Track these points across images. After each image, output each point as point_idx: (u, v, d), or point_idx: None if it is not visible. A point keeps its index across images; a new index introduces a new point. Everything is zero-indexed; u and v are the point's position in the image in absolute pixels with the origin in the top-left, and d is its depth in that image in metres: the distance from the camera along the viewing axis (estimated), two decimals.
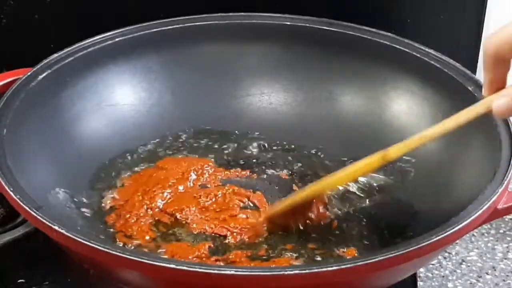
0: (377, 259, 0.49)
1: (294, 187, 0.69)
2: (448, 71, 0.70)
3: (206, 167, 0.71)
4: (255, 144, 0.75)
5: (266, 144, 0.75)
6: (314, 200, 0.64)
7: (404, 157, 0.70)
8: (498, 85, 0.50)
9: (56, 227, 0.51)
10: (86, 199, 0.66)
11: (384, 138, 0.73)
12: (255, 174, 0.71)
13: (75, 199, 0.65)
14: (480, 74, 0.85)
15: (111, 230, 0.64)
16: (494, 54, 0.49)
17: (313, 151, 0.74)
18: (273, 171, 0.72)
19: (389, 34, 0.75)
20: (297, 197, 0.64)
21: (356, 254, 0.61)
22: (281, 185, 0.70)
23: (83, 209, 0.65)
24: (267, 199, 0.67)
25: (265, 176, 0.71)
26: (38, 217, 0.52)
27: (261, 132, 0.76)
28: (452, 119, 0.54)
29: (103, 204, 0.66)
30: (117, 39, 0.74)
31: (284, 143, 0.75)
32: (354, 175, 0.62)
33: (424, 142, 0.56)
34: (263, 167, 0.72)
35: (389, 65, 0.74)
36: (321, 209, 0.65)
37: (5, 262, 0.65)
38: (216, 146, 0.75)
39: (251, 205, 0.67)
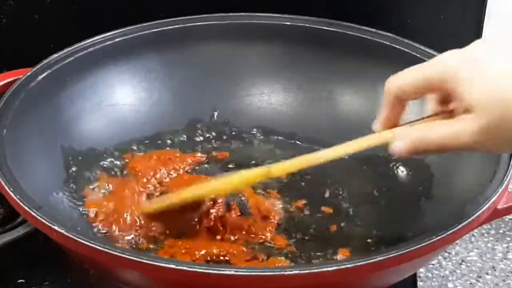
0: (377, 259, 0.49)
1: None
2: None
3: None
4: (255, 144, 0.75)
5: (265, 144, 0.75)
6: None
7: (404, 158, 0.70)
8: (393, 122, 0.53)
9: (56, 227, 0.51)
10: (86, 199, 0.66)
11: None
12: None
13: (75, 199, 0.65)
14: None
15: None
16: (394, 95, 0.52)
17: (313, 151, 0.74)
18: None
19: (389, 34, 0.75)
20: (177, 198, 0.62)
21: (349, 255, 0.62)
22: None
23: (83, 209, 0.65)
24: None
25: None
26: (38, 217, 0.52)
27: (261, 132, 0.76)
28: (343, 146, 0.55)
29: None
30: (117, 39, 0.74)
31: (284, 143, 0.75)
32: (233, 186, 0.61)
33: (312, 164, 0.57)
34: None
35: (389, 65, 0.74)
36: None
37: (5, 262, 0.65)
38: (215, 146, 0.75)
39: None
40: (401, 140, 0.51)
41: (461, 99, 0.47)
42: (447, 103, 0.51)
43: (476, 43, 0.49)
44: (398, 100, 0.52)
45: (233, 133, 0.76)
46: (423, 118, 0.53)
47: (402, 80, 0.51)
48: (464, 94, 0.47)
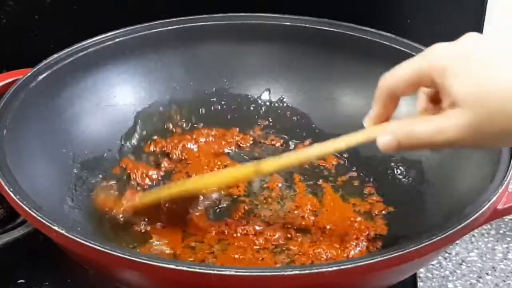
0: (377, 259, 0.49)
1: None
2: None
3: None
4: (254, 143, 0.75)
5: (265, 144, 0.75)
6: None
7: (404, 158, 0.70)
8: (383, 119, 0.53)
9: (56, 227, 0.51)
10: (86, 199, 0.66)
11: None
12: None
13: (75, 199, 0.65)
14: None
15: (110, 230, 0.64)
16: (386, 91, 0.52)
17: None
18: None
19: (389, 34, 0.75)
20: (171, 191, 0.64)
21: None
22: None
23: (83, 209, 0.65)
24: None
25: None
26: (38, 217, 0.52)
27: (261, 131, 0.76)
28: (332, 142, 0.56)
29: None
30: (117, 39, 0.74)
31: (284, 142, 0.75)
32: (223, 181, 0.64)
33: (300, 162, 0.58)
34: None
35: (389, 65, 0.74)
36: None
37: (5, 262, 0.65)
38: (216, 147, 0.74)
39: None
40: (387, 135, 0.50)
41: (448, 93, 0.47)
42: (439, 102, 0.50)
43: (466, 36, 0.48)
44: (390, 96, 0.52)
45: (233, 133, 0.76)
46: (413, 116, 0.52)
47: (393, 75, 0.51)
48: (451, 88, 0.46)
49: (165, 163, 0.72)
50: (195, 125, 0.76)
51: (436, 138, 0.47)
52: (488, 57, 0.46)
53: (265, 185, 0.70)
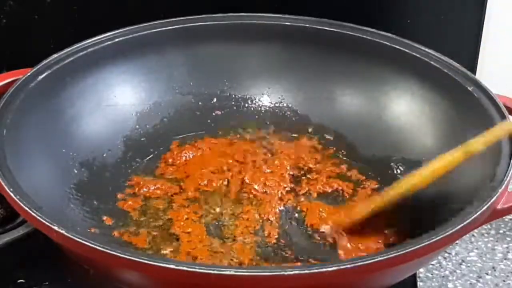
0: (377, 259, 0.49)
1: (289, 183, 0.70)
2: (448, 71, 0.70)
3: None
4: (254, 143, 0.75)
5: (265, 143, 0.75)
6: None
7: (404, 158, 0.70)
8: None
9: (56, 227, 0.51)
10: (85, 199, 0.66)
11: (384, 138, 0.73)
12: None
13: (75, 199, 0.65)
14: (480, 74, 0.86)
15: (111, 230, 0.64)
16: None
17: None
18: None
19: (389, 34, 0.75)
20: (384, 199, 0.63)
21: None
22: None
23: (83, 209, 0.65)
24: None
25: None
26: (38, 217, 0.52)
27: (261, 131, 0.76)
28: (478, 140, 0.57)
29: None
30: (117, 39, 0.74)
31: (283, 142, 0.75)
32: (439, 171, 0.61)
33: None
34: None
35: (389, 65, 0.74)
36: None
37: (5, 262, 0.65)
38: (215, 149, 0.75)
39: None
40: None
41: None
42: None
43: None
44: None
45: (233, 133, 0.76)
46: None
47: None
48: None
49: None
50: (195, 124, 0.76)
51: None
52: None
53: None
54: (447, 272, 0.69)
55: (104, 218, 0.65)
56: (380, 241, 0.63)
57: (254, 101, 0.79)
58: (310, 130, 0.76)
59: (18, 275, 0.64)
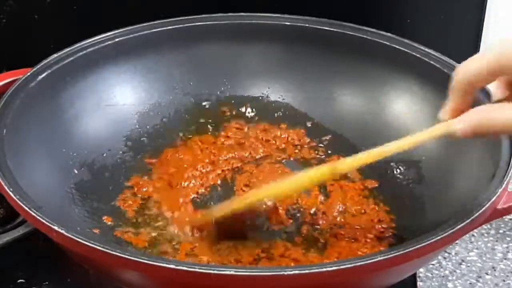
0: (377, 259, 0.49)
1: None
2: (448, 71, 0.70)
3: None
4: (254, 143, 0.75)
5: (265, 143, 0.75)
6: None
7: (404, 158, 0.70)
8: (460, 112, 0.53)
9: (56, 227, 0.51)
10: (85, 198, 0.66)
11: (384, 138, 0.72)
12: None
13: (74, 199, 0.65)
14: None
15: (112, 230, 0.64)
16: (464, 83, 0.51)
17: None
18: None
19: (389, 34, 0.75)
20: (241, 203, 0.62)
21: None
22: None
23: (83, 209, 0.65)
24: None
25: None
26: (38, 217, 0.52)
27: (261, 131, 0.76)
28: (409, 138, 0.56)
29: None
30: (117, 39, 0.74)
31: (284, 142, 0.75)
32: (303, 185, 0.62)
33: (377, 158, 0.57)
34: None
35: (389, 65, 0.74)
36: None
37: (5, 262, 0.65)
38: (214, 151, 0.74)
39: None
40: (465, 120, 0.51)
41: None
42: None
43: None
44: (468, 88, 0.52)
45: (233, 132, 0.77)
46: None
47: (470, 67, 0.51)
48: None
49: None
50: (195, 124, 0.76)
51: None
52: None
53: None
54: (447, 272, 0.69)
55: (104, 218, 0.65)
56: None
57: (254, 101, 0.79)
58: (310, 130, 0.76)
59: (18, 275, 0.64)
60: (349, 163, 0.58)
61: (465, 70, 0.51)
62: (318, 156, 0.74)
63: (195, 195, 0.69)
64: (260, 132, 0.76)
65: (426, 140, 0.55)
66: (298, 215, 0.66)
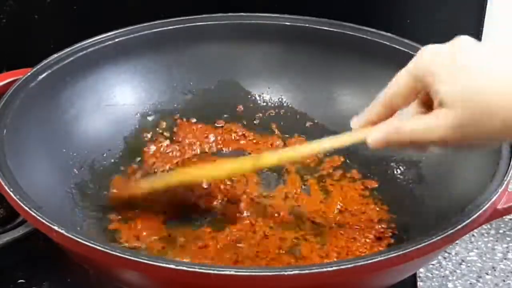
0: (377, 259, 0.49)
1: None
2: None
3: None
4: (254, 144, 0.75)
5: (264, 143, 0.76)
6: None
7: (404, 158, 0.70)
8: (373, 125, 0.53)
9: (56, 227, 0.51)
10: (85, 198, 0.66)
11: None
12: None
13: (74, 199, 0.65)
14: None
15: (112, 230, 0.64)
16: (387, 102, 0.52)
17: None
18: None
19: (389, 34, 0.75)
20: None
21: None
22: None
23: (83, 209, 0.65)
24: None
25: None
26: (38, 217, 0.52)
27: (261, 131, 0.76)
28: (326, 140, 0.57)
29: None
30: (117, 39, 0.74)
31: (284, 142, 0.75)
32: (224, 173, 0.66)
33: (297, 157, 0.61)
34: None
35: (389, 65, 0.74)
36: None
37: (5, 262, 0.65)
38: (214, 151, 0.74)
39: None
40: (376, 132, 0.52)
41: (436, 93, 0.47)
42: (431, 105, 0.50)
43: (455, 40, 0.50)
44: (389, 107, 0.52)
45: (233, 133, 0.77)
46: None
47: (390, 88, 0.52)
48: (438, 88, 0.47)
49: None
50: (195, 125, 0.76)
51: (425, 136, 0.48)
52: (472, 62, 0.47)
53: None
54: (447, 272, 0.69)
55: (104, 218, 0.65)
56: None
57: (253, 101, 0.79)
58: (309, 129, 0.76)
59: (18, 275, 0.64)
60: (271, 158, 0.61)
61: (388, 92, 0.52)
62: (317, 156, 0.74)
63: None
64: (259, 132, 0.76)
65: (339, 146, 0.56)
66: (298, 214, 0.67)
